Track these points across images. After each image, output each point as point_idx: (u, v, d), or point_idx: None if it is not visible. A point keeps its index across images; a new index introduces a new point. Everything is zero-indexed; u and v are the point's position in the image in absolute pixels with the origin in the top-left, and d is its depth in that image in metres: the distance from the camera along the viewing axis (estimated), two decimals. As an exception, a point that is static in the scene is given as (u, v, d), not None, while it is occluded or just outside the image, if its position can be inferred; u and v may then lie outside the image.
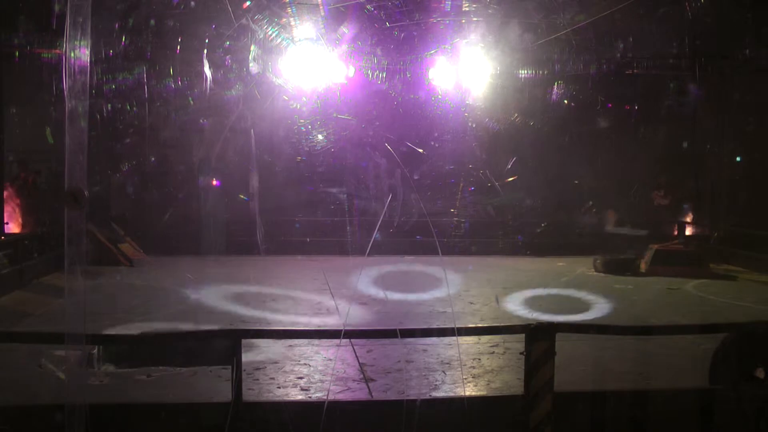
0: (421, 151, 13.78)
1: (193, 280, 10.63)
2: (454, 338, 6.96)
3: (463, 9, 12.07)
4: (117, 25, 11.35)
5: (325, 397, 5.72)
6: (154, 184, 14.70)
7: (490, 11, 12.27)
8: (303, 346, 7.27)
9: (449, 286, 10.69)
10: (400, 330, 6.44)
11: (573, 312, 9.35)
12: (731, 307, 10.04)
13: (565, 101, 14.33)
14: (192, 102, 13.07)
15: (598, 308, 9.73)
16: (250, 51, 12.04)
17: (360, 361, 6.46)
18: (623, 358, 6.90)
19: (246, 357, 5.22)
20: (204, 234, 13.53)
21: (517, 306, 9.79)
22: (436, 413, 5.06)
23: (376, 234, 12.03)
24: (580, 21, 11.93)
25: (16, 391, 5.83)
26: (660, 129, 15.36)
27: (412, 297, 10.19)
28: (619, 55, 13.63)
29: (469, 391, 6.14)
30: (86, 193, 4.14)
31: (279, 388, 6.19)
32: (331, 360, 6.89)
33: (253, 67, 12.22)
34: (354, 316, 8.84)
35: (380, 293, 10.34)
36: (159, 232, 13.51)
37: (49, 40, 10.95)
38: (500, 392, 6.07)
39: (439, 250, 11.63)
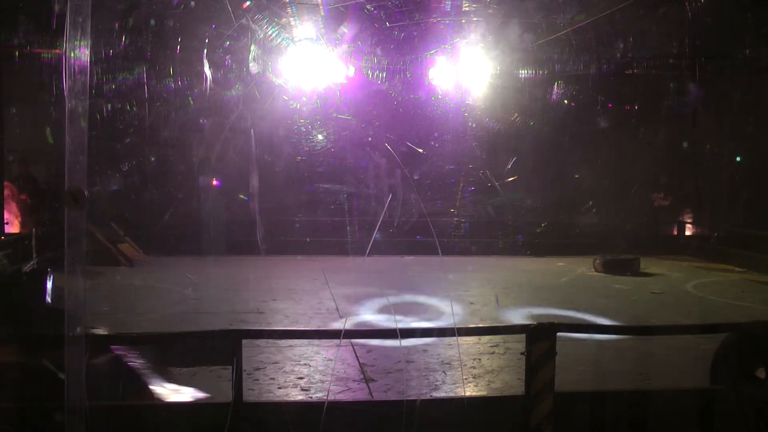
0: (421, 151, 13.76)
1: (192, 281, 10.62)
2: (455, 338, 6.95)
3: (463, 9, 12.05)
4: (117, 25, 11.33)
5: (326, 398, 5.71)
6: (154, 184, 14.70)
7: (490, 11, 12.25)
8: (303, 346, 7.27)
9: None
10: (400, 330, 6.43)
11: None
12: (731, 307, 10.03)
13: (565, 101, 14.32)
14: (192, 102, 13.05)
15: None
16: (250, 51, 12.02)
17: (360, 362, 6.46)
18: (623, 358, 6.89)
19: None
20: (204, 234, 13.52)
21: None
22: (437, 413, 5.05)
23: (376, 234, 12.02)
24: (580, 21, 11.92)
25: (16, 391, 5.82)
26: (660, 129, 15.35)
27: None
28: (619, 55, 13.62)
29: (470, 391, 6.13)
30: (86, 193, 4.13)
31: (279, 388, 6.18)
32: (331, 360, 6.89)
33: (253, 67, 12.20)
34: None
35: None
36: (159, 232, 13.50)
37: (49, 40, 10.94)
38: (501, 392, 6.06)
39: (439, 250, 11.65)
